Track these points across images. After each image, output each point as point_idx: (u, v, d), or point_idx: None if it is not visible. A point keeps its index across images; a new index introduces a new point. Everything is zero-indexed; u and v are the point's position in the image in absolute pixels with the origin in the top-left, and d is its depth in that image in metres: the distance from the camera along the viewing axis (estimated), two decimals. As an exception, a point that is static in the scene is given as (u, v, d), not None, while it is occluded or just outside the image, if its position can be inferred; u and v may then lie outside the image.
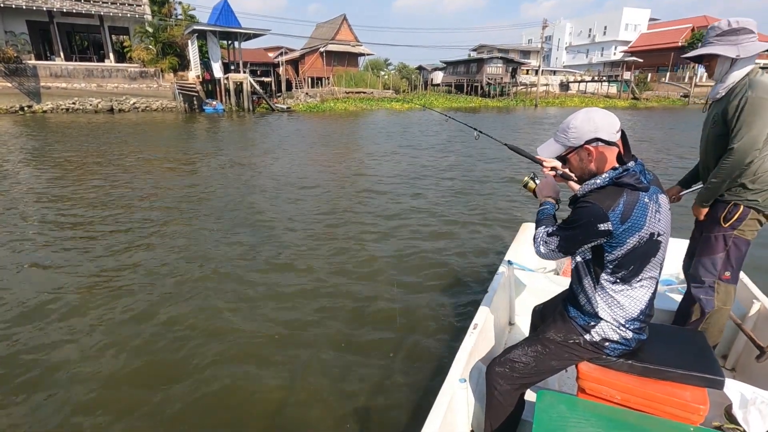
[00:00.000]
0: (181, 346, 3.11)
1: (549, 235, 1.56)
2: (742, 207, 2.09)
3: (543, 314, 1.94)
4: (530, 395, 1.87)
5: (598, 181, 1.47)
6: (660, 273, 1.52)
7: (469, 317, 2.26)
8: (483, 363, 2.09)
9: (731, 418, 1.80)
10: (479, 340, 2.13)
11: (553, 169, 1.88)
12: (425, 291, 3.97)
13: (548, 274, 3.03)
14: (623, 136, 1.49)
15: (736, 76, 1.99)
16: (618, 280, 1.48)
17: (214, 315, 3.53)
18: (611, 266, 1.47)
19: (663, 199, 1.48)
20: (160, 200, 6.99)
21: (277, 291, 3.98)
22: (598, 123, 1.44)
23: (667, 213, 1.48)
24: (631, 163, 1.46)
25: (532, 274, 2.99)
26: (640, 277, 1.47)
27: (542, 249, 1.57)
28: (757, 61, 2.02)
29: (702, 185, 2.30)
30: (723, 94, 2.06)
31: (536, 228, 1.65)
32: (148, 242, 5.12)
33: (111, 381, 2.75)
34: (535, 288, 2.88)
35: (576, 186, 1.73)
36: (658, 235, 1.43)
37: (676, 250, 3.21)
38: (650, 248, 1.44)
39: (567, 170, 1.81)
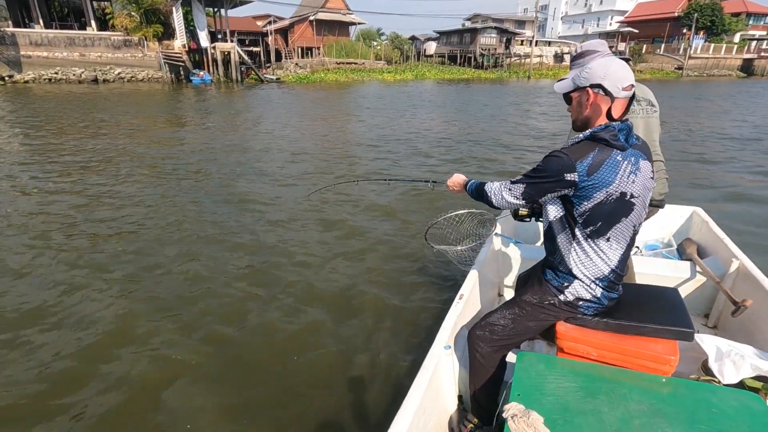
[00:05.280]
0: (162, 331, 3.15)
1: (513, 182, 1.60)
2: None
3: (525, 281, 1.99)
4: (513, 358, 1.94)
5: (580, 136, 1.50)
6: (634, 235, 1.56)
7: (457, 288, 2.31)
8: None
9: (707, 371, 1.89)
10: (465, 310, 2.18)
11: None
12: (414, 264, 4.01)
13: (537, 245, 3.06)
14: (630, 99, 1.50)
15: None
16: (588, 236, 1.52)
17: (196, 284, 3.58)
18: (581, 219, 1.50)
19: (645, 165, 1.47)
20: (147, 176, 6.92)
21: (259, 263, 4.01)
22: (609, 71, 1.44)
23: (646, 179, 1.48)
24: (615, 123, 1.47)
25: (520, 245, 3.01)
26: (609, 235, 1.50)
27: (507, 196, 1.62)
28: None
29: None
30: None
31: (486, 186, 1.73)
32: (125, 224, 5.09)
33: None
34: (525, 259, 2.90)
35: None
36: (632, 196, 1.45)
37: (666, 216, 3.28)
38: (621, 207, 1.46)
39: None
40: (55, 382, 2.51)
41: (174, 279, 3.63)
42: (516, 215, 2.04)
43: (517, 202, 1.61)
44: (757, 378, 1.75)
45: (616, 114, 1.48)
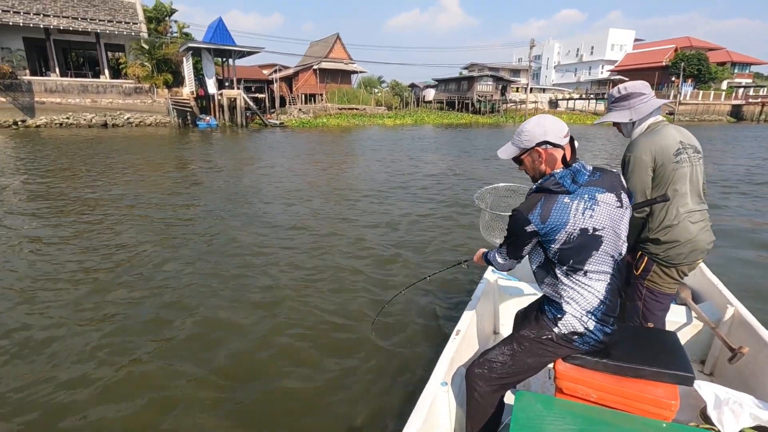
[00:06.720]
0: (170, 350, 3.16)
1: (500, 247, 1.81)
2: (646, 258, 2.19)
3: (523, 317, 2.03)
4: (511, 399, 1.94)
5: (534, 187, 1.66)
6: (617, 266, 1.62)
7: (454, 325, 2.34)
8: (466, 368, 2.16)
9: (706, 419, 1.86)
10: (462, 346, 2.18)
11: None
12: (410, 300, 4.01)
13: (533, 283, 3.06)
14: (571, 141, 1.64)
15: (635, 134, 2.18)
16: (566, 273, 1.60)
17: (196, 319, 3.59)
18: (556, 259, 1.60)
19: (605, 197, 1.56)
20: (143, 218, 7.03)
21: (259, 299, 4.01)
22: (547, 127, 1.59)
23: (610, 210, 1.56)
24: (558, 170, 1.59)
25: (516, 282, 3.04)
26: (585, 269, 1.57)
27: (500, 260, 1.82)
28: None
29: None
30: None
31: (488, 254, 1.93)
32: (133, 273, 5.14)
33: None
34: (521, 296, 2.92)
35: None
36: (595, 230, 1.53)
37: None
38: (587, 242, 1.54)
39: None
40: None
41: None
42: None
43: (508, 262, 1.80)
44: (757, 428, 1.73)
45: (568, 157, 1.61)
